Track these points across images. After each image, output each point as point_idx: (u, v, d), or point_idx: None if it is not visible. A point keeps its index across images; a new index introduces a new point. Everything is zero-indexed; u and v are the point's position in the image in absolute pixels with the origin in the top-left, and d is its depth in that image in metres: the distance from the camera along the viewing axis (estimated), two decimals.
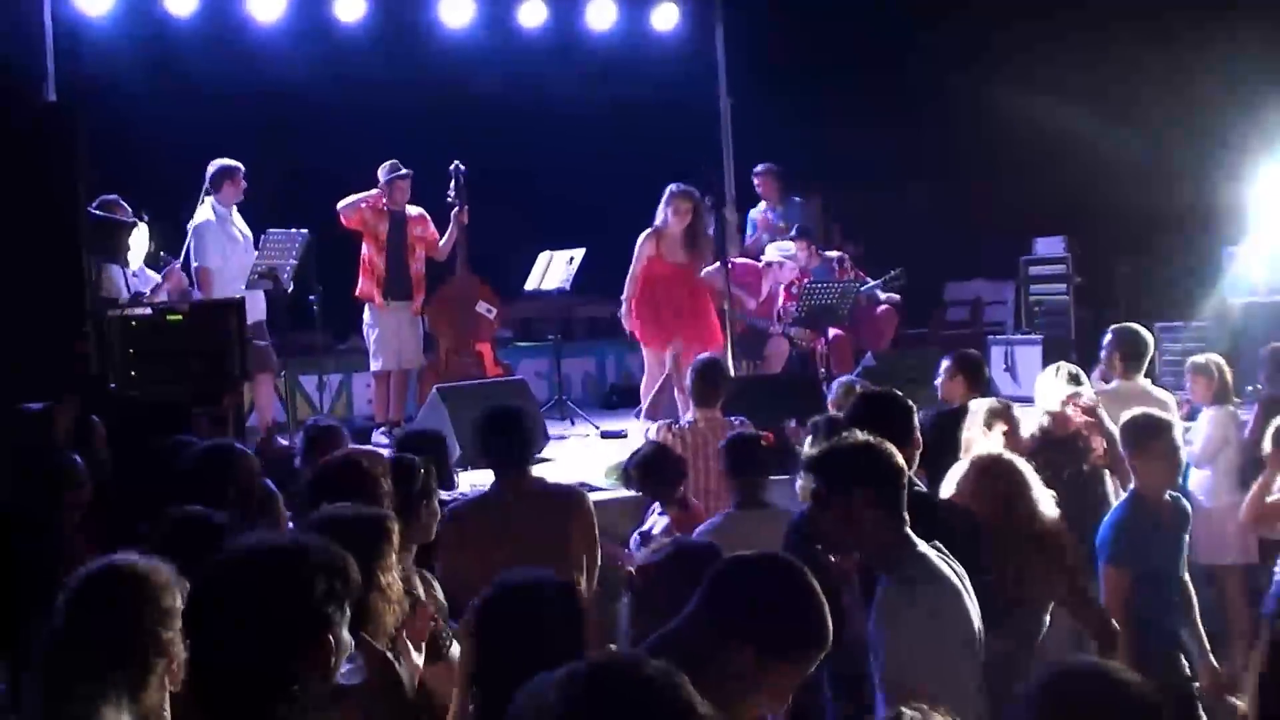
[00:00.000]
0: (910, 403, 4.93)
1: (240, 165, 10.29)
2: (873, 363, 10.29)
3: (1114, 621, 5.39)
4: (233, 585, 2.59)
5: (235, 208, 10.36)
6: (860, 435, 4.02)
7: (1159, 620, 5.69)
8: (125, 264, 8.55)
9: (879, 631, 3.80)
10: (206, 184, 10.19)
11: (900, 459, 3.92)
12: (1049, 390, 6.88)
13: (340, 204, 10.73)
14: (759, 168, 11.97)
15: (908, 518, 3.86)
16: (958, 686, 3.69)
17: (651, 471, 6.57)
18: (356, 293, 10.82)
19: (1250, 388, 9.24)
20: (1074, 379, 6.85)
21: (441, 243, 11.05)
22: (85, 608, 3.02)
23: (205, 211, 10.18)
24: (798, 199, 12.15)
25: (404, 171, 10.83)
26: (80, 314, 7.59)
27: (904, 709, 2.49)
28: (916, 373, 9.19)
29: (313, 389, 11.16)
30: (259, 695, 2.53)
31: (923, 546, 3.86)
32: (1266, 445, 6.65)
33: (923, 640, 3.70)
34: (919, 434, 4.87)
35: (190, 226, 10.14)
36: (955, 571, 3.89)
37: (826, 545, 3.97)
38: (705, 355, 7.87)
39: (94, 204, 8.62)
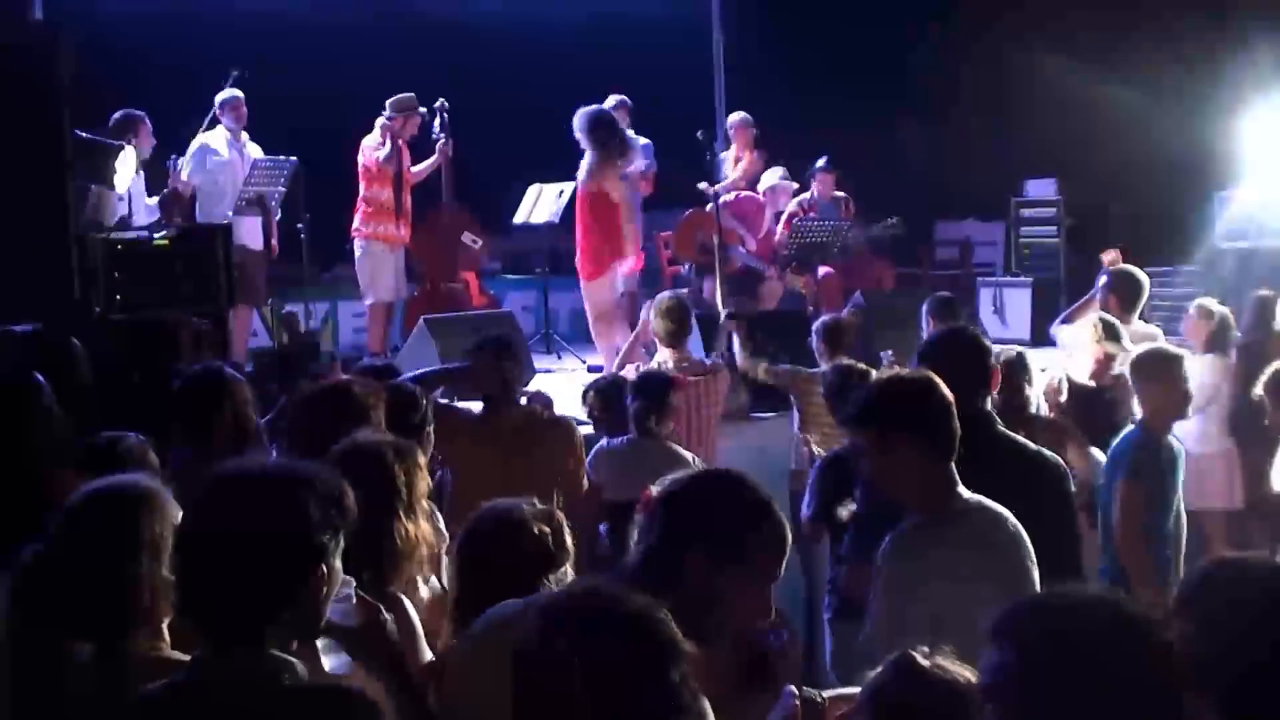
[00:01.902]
0: (985, 341, 4.69)
1: (235, 93, 10.45)
2: (861, 301, 10.25)
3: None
4: (229, 509, 2.55)
5: (246, 133, 10.54)
6: (906, 373, 3.95)
7: (1158, 544, 5.75)
8: (111, 187, 8.48)
9: (878, 578, 3.73)
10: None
11: (949, 397, 3.79)
12: (1079, 341, 6.87)
13: (379, 156, 10.64)
14: (614, 99, 11.71)
15: (956, 454, 3.76)
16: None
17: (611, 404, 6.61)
18: (380, 235, 10.67)
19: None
20: (1109, 332, 6.80)
21: (415, 169, 11.06)
22: (85, 528, 2.95)
23: (213, 132, 10.43)
24: (643, 140, 11.91)
25: (422, 109, 10.85)
26: (64, 237, 7.52)
27: (912, 651, 2.47)
28: (905, 313, 9.16)
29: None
30: (248, 620, 2.51)
31: (965, 492, 3.76)
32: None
33: (920, 602, 3.58)
34: (997, 370, 4.74)
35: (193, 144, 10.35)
36: (1002, 519, 3.76)
37: (881, 489, 3.89)
38: (668, 295, 7.70)
39: (113, 119, 9.08)
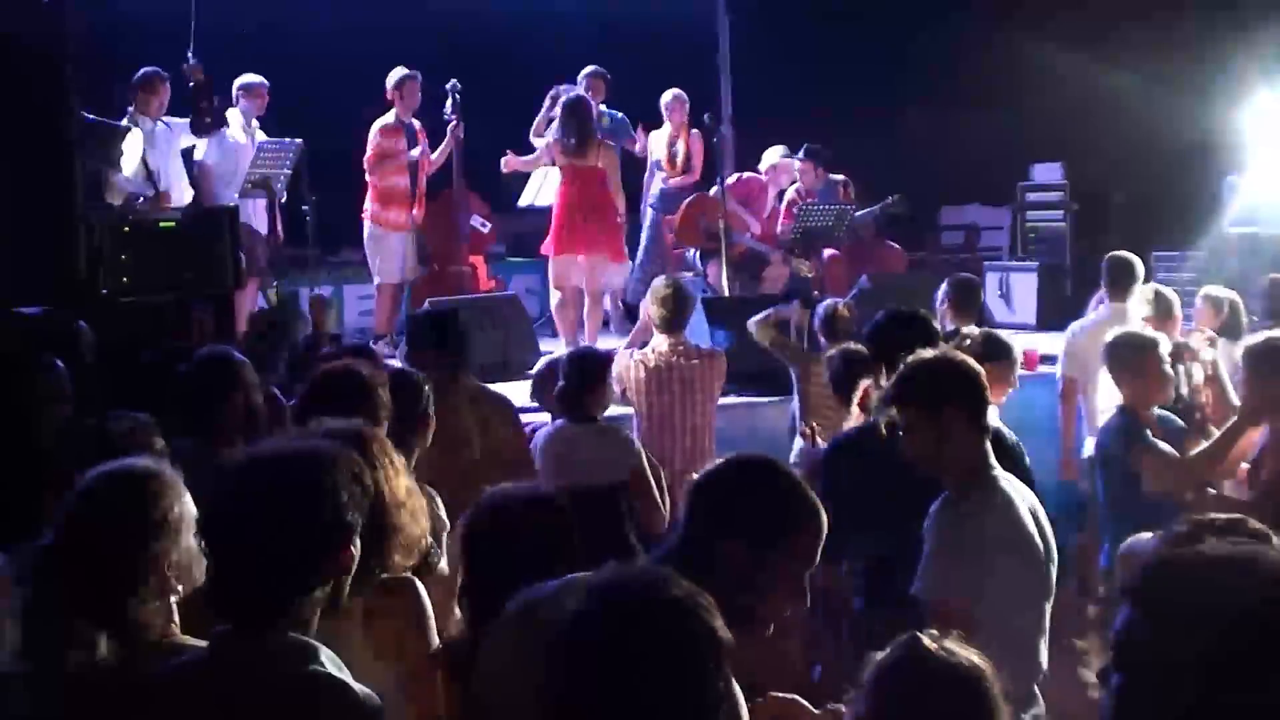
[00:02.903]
0: (933, 323, 4.91)
1: (257, 80, 10.46)
2: (868, 285, 10.24)
3: None
4: (264, 490, 2.53)
5: (257, 121, 10.52)
6: (937, 351, 3.98)
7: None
8: (118, 169, 8.49)
9: (927, 542, 3.77)
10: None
11: (983, 375, 3.88)
12: (1136, 317, 6.84)
13: (373, 158, 10.69)
14: (590, 69, 11.60)
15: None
16: (1004, 610, 3.63)
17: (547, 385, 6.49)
18: (386, 218, 10.71)
19: (1248, 320, 9.19)
20: (1160, 305, 6.76)
21: (433, 155, 11.04)
22: (95, 510, 2.93)
23: (228, 114, 10.36)
24: (619, 114, 11.81)
25: (413, 73, 10.80)
26: (71, 219, 7.53)
27: (919, 634, 2.46)
28: (910, 297, 9.13)
29: (303, 300, 11.11)
30: (277, 601, 2.51)
31: (997, 467, 3.87)
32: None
33: (969, 557, 3.67)
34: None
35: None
36: (1026, 496, 3.89)
37: (919, 466, 3.90)
38: (663, 280, 7.55)
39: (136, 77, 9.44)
